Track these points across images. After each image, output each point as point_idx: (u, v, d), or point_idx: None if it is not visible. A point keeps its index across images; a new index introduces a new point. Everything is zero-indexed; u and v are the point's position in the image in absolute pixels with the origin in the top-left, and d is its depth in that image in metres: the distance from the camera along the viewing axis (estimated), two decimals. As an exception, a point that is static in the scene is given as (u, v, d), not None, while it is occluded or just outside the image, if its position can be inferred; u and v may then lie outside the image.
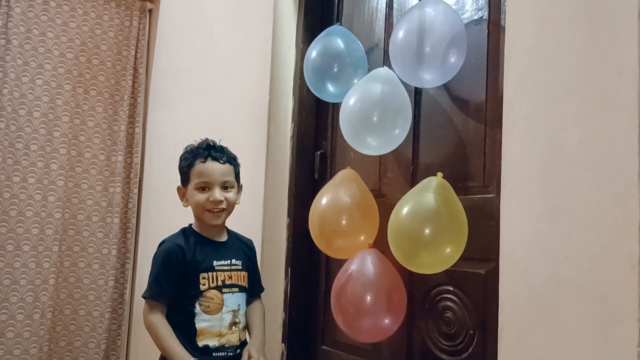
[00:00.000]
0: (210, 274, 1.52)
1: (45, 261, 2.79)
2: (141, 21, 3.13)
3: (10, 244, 2.74)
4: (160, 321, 1.47)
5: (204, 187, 1.54)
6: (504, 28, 1.32)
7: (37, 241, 2.78)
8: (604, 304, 0.98)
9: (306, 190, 2.02)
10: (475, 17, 1.48)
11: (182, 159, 1.60)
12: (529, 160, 1.13)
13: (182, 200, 1.61)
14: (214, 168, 1.54)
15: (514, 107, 1.18)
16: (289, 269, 2.00)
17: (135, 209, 3.08)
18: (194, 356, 1.43)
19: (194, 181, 1.55)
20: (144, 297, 1.52)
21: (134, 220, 3.07)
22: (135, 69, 3.11)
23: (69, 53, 2.90)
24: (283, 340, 1.99)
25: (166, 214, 2.78)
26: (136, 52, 3.10)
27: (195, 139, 1.66)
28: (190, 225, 1.62)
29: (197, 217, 1.59)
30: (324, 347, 1.91)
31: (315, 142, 2.05)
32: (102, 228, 2.98)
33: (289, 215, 2.03)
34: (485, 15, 1.45)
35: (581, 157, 1.04)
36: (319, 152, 2.01)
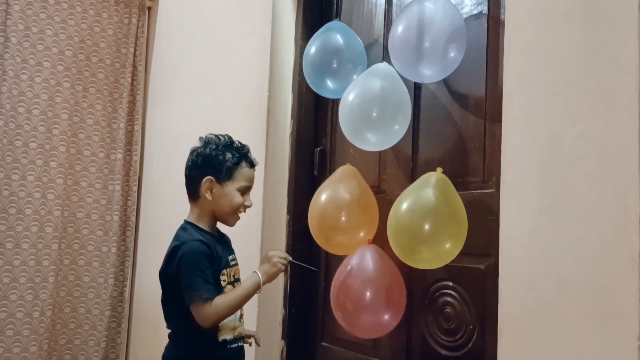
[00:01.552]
0: (227, 270, 1.53)
1: (45, 259, 2.79)
2: (140, 18, 3.12)
3: (10, 241, 2.73)
4: (220, 297, 1.43)
5: (245, 192, 1.55)
6: (503, 23, 1.32)
7: (36, 239, 2.78)
8: (604, 298, 0.98)
9: (306, 187, 2.02)
10: (475, 12, 1.47)
11: (227, 154, 1.52)
12: (528, 155, 1.13)
13: (206, 192, 1.52)
14: (254, 176, 1.58)
15: (513, 102, 1.17)
16: (289, 265, 1.99)
17: (135, 206, 3.07)
18: (216, 354, 1.48)
19: (240, 182, 1.52)
20: (204, 299, 1.41)
21: (133, 218, 3.06)
22: (134, 66, 3.10)
23: (67, 51, 2.90)
24: (283, 337, 1.99)
25: (166, 212, 2.77)
26: (135, 49, 3.09)
27: (206, 134, 1.58)
28: (191, 222, 1.56)
29: (221, 215, 1.55)
30: (323, 343, 1.91)
31: (315, 138, 2.05)
32: (101, 226, 2.98)
33: (288, 212, 2.03)
34: (485, 9, 1.45)
35: (581, 152, 1.04)
36: (318, 149, 2.01)
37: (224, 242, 1.60)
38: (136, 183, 3.08)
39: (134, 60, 3.09)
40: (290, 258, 1.55)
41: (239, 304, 1.47)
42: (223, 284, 1.49)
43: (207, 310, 1.41)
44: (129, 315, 3.05)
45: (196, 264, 1.43)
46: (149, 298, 2.88)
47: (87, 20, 2.96)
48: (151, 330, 2.76)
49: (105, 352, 2.94)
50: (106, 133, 3.01)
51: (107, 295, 2.94)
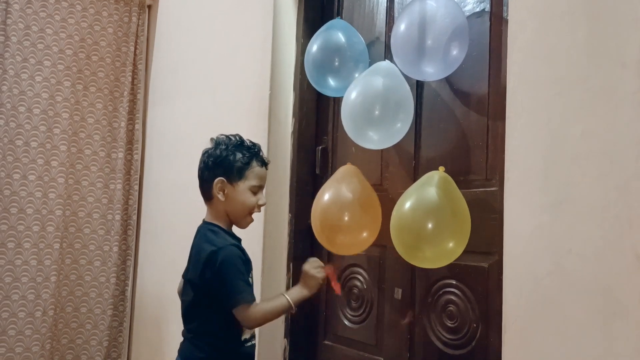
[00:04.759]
0: (251, 272, 1.54)
1: (47, 258, 2.79)
2: (140, 17, 3.11)
3: (12, 241, 2.73)
4: (260, 305, 1.46)
5: (257, 191, 1.54)
6: (506, 20, 1.31)
7: (38, 238, 2.78)
8: (607, 296, 0.98)
9: (307, 185, 2.02)
10: (477, 10, 1.47)
11: (237, 154, 1.52)
12: (531, 153, 1.13)
13: (218, 193, 1.51)
14: (266, 175, 1.57)
15: (516, 100, 1.17)
16: (291, 264, 2.00)
17: (136, 205, 3.07)
18: (238, 351, 1.50)
19: (251, 182, 1.52)
20: (246, 302, 1.43)
21: (134, 217, 3.06)
22: (134, 65, 3.09)
23: (68, 49, 2.89)
24: (285, 336, 1.99)
25: (167, 211, 2.77)
26: (135, 48, 3.09)
27: (217, 134, 1.58)
28: (215, 224, 1.54)
29: (235, 216, 1.54)
30: (326, 341, 1.91)
31: (316, 137, 2.04)
32: (103, 225, 2.98)
33: (290, 211, 2.03)
34: (487, 7, 1.44)
35: (584, 150, 1.04)
36: (320, 147, 2.00)
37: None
38: (137, 182, 3.08)
39: (134, 59, 3.09)
40: (321, 263, 1.56)
41: (279, 314, 1.50)
42: None
43: (252, 312, 1.43)
44: (131, 314, 3.06)
45: (237, 268, 1.45)
46: (150, 297, 2.88)
47: (87, 18, 2.95)
48: (153, 328, 2.76)
49: (108, 351, 2.94)
50: (107, 132, 3.01)
51: (109, 294, 2.95)
